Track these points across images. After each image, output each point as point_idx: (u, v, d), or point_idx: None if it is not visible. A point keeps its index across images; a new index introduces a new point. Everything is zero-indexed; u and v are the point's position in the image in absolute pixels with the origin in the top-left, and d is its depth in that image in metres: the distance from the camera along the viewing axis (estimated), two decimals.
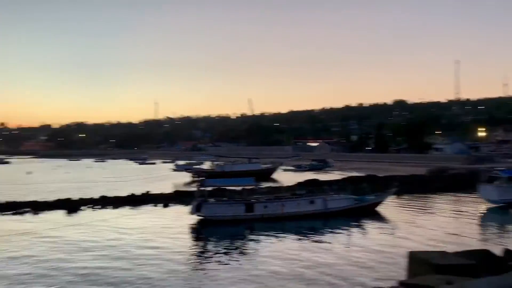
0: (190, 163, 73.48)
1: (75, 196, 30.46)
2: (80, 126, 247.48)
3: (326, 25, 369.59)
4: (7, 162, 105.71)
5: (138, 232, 20.02)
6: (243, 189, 26.92)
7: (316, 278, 12.89)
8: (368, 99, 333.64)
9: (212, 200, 23.76)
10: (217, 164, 56.77)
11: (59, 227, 21.31)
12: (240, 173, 41.42)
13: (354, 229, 20.50)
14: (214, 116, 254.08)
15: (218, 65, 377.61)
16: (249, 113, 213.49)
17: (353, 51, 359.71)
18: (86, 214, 25.42)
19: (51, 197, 30.14)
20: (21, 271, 13.76)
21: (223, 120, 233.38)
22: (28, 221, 23.48)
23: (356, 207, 24.08)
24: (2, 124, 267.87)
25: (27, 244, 17.71)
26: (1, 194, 33.18)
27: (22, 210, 26.02)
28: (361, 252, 15.90)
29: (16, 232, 19.77)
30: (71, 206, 27.33)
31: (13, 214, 25.29)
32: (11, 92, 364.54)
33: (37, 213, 25.49)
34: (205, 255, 16.67)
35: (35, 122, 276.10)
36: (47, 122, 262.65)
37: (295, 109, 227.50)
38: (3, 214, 25.03)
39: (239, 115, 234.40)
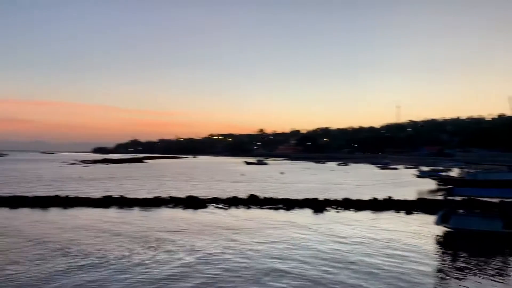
0: (435, 169, 68.47)
1: (320, 196, 32.61)
2: (325, 131, 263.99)
3: None
4: (265, 163, 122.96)
5: (384, 235, 20.00)
6: (501, 201, 23.22)
7: None
8: None
9: (461, 211, 21.42)
10: (468, 172, 50.76)
11: (318, 222, 23.34)
12: (496, 183, 35.82)
13: None
14: (464, 117, 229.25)
15: (468, 62, 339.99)
16: (509, 113, 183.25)
17: None
18: (331, 215, 26.80)
19: (300, 196, 33.18)
20: (299, 254, 16.20)
21: (476, 122, 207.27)
22: (284, 215, 26.40)
23: None
24: (261, 130, 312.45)
25: (295, 232, 20.46)
26: (262, 191, 38.67)
27: (276, 206, 29.57)
28: None
29: (288, 224, 22.91)
30: (317, 205, 29.40)
31: (270, 208, 28.94)
32: (268, 102, 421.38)
33: (288, 210, 28.44)
34: (456, 267, 15.17)
35: (287, 128, 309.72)
36: (297, 127, 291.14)
37: None
38: (263, 208, 28.95)
39: (496, 116, 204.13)
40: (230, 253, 16.19)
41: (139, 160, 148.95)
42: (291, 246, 17.51)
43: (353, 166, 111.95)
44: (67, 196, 31.30)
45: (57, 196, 31.06)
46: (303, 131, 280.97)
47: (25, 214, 25.45)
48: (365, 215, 26.44)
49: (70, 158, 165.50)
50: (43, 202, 29.11)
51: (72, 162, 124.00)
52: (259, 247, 17.38)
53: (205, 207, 29.25)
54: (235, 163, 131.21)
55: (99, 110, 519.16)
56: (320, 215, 26.53)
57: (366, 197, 32.46)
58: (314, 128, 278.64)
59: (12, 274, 13.11)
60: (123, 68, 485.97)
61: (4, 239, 18.33)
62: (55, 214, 25.84)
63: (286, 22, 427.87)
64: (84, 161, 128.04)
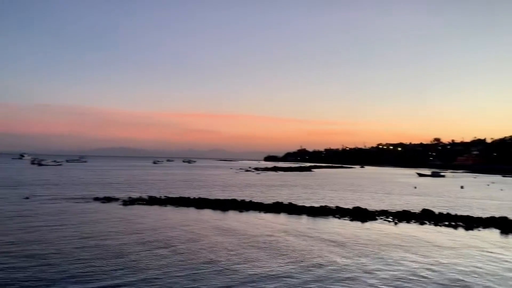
0: None
1: (510, 215, 28.18)
2: None
3: None
4: (442, 176, 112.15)
5: None
6: None
7: None
8: None
9: None
10: None
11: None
12: None
13: None
14: None
15: None
16: None
17: None
18: None
19: (484, 214, 29.25)
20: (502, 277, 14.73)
21: None
22: (465, 233, 23.56)
23: None
24: (437, 139, 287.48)
25: (488, 251, 18.82)
26: (437, 206, 35.47)
27: (455, 223, 26.62)
28: None
29: (475, 242, 20.82)
30: (506, 226, 25.44)
31: (447, 226, 26.16)
32: (444, 107, 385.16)
33: (469, 229, 25.25)
34: None
35: (467, 137, 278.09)
36: (480, 136, 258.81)
37: None
38: (438, 225, 26.34)
39: None
40: (426, 269, 15.38)
41: (307, 169, 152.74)
42: (489, 266, 15.95)
43: None
44: (242, 200, 34.08)
45: (234, 200, 34.10)
46: (488, 140, 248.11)
47: (211, 214, 28.38)
48: None
49: (245, 165, 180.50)
50: (223, 205, 32.25)
51: (246, 169, 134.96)
52: (445, 261, 16.31)
53: (374, 219, 28.19)
54: (406, 174, 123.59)
55: (272, 121, 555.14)
56: (511, 237, 22.87)
57: None
58: (502, 137, 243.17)
59: (242, 271, 14.52)
60: (293, 80, 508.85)
61: (223, 236, 20.68)
62: (233, 216, 28.17)
63: (460, 24, 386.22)
64: (257, 169, 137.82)
